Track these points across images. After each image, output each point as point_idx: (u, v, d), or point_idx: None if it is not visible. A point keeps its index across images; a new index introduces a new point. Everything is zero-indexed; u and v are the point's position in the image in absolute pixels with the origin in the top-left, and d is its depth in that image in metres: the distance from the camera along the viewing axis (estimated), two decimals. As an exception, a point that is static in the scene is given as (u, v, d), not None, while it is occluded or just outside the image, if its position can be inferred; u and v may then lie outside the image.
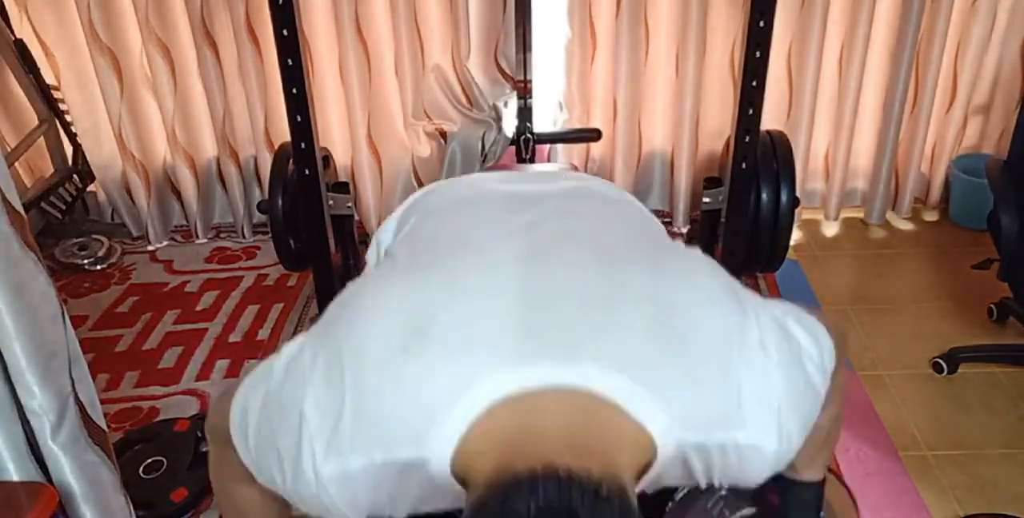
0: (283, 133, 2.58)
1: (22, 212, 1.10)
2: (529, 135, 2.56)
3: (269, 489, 0.91)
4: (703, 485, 0.89)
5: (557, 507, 0.70)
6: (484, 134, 2.80)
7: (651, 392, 0.80)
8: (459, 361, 0.82)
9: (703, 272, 0.96)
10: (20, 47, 2.70)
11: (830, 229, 3.05)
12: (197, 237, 3.10)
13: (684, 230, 2.98)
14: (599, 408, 0.79)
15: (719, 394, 0.84)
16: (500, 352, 0.82)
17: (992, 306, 2.50)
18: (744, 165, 2.39)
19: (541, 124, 2.69)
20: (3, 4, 2.74)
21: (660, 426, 0.80)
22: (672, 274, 0.94)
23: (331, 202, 2.48)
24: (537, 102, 2.56)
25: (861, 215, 3.08)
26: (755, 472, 0.88)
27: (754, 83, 2.27)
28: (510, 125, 2.72)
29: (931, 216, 3.08)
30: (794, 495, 1.10)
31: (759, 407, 0.85)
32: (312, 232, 2.46)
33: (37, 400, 1.10)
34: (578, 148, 2.95)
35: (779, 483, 1.05)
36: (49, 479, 1.16)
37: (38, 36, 2.77)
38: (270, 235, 2.72)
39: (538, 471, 0.72)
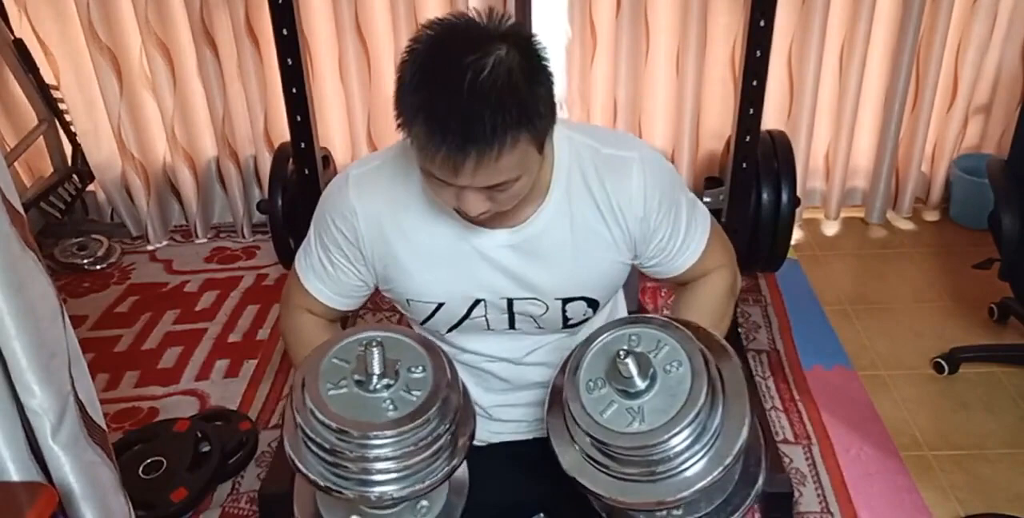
0: (283, 133, 2.58)
1: (22, 212, 1.09)
2: (529, 134, 2.55)
3: (318, 309, 1.30)
4: (598, 200, 1.17)
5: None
6: (484, 134, 2.80)
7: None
8: None
9: None
10: (20, 47, 2.70)
11: (830, 228, 3.05)
12: (197, 237, 3.10)
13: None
14: None
15: (609, 137, 1.22)
16: None
17: (993, 306, 2.50)
18: (745, 165, 2.39)
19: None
20: (2, 4, 2.74)
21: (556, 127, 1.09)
22: None
23: (331, 202, 2.47)
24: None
25: (861, 214, 3.08)
26: (631, 187, 1.17)
27: (754, 83, 2.27)
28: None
29: (932, 216, 3.08)
30: None
31: (629, 142, 1.22)
32: (312, 232, 2.45)
33: (37, 399, 1.10)
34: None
35: None
36: (49, 479, 1.15)
37: (38, 36, 2.77)
38: (270, 235, 2.72)
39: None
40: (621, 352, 1.00)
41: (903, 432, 2.14)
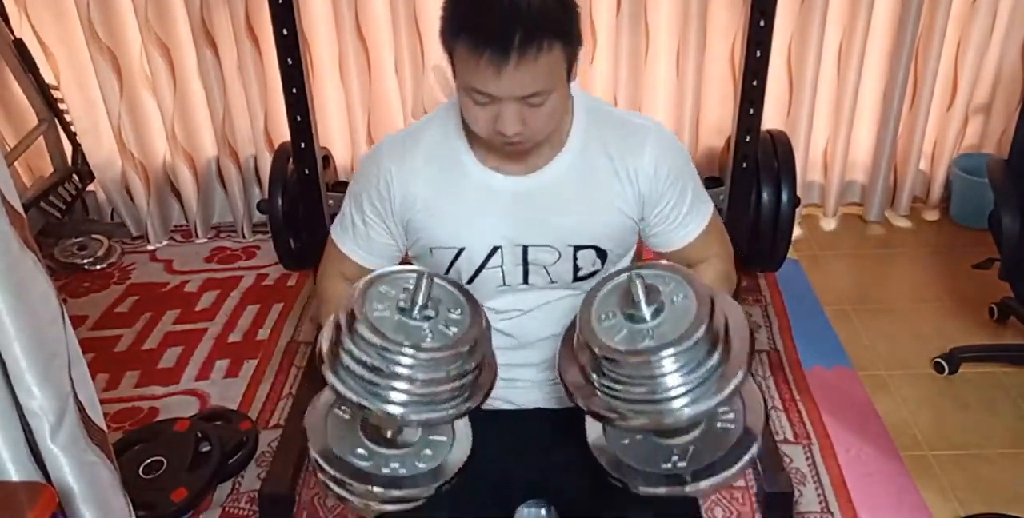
0: (283, 133, 2.58)
1: (22, 212, 1.09)
2: (529, 134, 2.56)
3: (352, 272, 1.38)
4: (613, 157, 1.29)
5: None
6: (484, 133, 2.81)
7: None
8: None
9: None
10: (20, 47, 2.70)
11: (829, 225, 3.05)
12: (197, 237, 3.10)
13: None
14: None
15: (629, 111, 1.41)
16: None
17: (993, 306, 2.50)
18: (745, 165, 2.39)
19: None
20: (3, 4, 2.74)
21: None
22: None
23: (331, 202, 2.48)
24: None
25: (860, 213, 3.08)
26: (644, 152, 1.29)
27: (754, 83, 2.26)
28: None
29: (932, 215, 3.08)
30: None
31: (647, 118, 1.36)
32: (312, 232, 2.46)
33: (37, 401, 1.10)
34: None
35: None
36: (49, 479, 1.16)
37: (38, 36, 2.77)
38: (270, 235, 2.72)
39: None
40: (632, 276, 1.08)
41: (903, 432, 2.14)
